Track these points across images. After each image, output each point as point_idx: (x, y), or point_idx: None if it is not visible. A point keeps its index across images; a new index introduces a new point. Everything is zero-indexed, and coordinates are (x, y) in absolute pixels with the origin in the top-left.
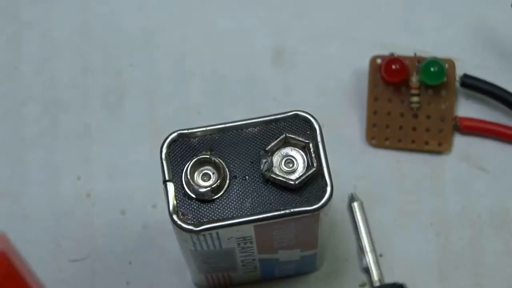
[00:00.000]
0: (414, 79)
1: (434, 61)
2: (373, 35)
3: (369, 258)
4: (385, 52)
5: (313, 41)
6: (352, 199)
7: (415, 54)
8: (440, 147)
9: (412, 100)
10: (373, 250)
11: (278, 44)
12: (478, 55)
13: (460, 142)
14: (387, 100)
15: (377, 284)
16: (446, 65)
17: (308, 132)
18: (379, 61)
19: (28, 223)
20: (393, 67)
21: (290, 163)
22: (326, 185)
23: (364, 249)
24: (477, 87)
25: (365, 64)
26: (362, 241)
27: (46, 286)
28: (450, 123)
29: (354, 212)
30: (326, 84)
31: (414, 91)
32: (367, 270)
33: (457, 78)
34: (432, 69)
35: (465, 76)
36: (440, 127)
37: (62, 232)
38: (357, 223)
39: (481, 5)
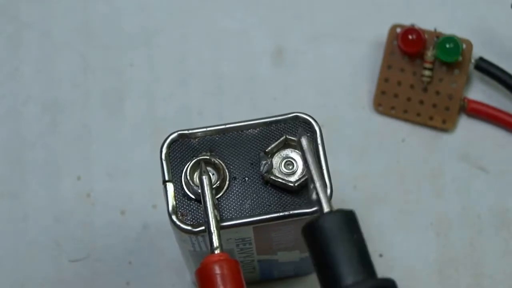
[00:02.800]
0: (429, 53)
1: (451, 38)
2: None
3: (318, 188)
4: (407, 23)
5: (313, 41)
6: (300, 134)
7: (435, 29)
8: (444, 124)
9: (424, 73)
10: (322, 179)
11: (278, 44)
12: (477, 55)
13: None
14: (400, 70)
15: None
16: (464, 45)
17: (308, 134)
18: (398, 30)
19: (28, 223)
20: (410, 37)
21: (290, 165)
22: (326, 187)
23: (313, 180)
24: (490, 72)
25: (383, 36)
26: (311, 172)
27: (46, 286)
28: (457, 102)
29: (302, 147)
30: (326, 84)
31: (427, 65)
32: (317, 202)
33: (473, 61)
34: (447, 45)
35: (481, 59)
36: (447, 105)
37: (62, 232)
38: (306, 156)
39: (481, 5)
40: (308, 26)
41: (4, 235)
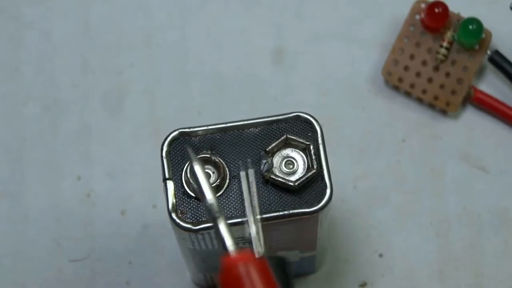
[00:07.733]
0: (449, 33)
1: (476, 20)
2: None
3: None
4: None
5: (313, 41)
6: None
7: (459, 13)
8: (447, 107)
9: (440, 51)
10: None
11: (278, 44)
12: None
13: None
14: (416, 44)
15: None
16: (483, 35)
17: (309, 134)
18: (423, 5)
19: (28, 223)
20: (436, 10)
21: (290, 164)
22: (326, 187)
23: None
24: (502, 67)
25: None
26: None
27: (46, 286)
28: (465, 89)
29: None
30: (326, 84)
31: (445, 44)
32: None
33: (489, 52)
34: (471, 26)
35: (496, 52)
36: (454, 88)
37: (62, 232)
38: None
39: (481, 5)
40: (308, 26)
41: (4, 235)
